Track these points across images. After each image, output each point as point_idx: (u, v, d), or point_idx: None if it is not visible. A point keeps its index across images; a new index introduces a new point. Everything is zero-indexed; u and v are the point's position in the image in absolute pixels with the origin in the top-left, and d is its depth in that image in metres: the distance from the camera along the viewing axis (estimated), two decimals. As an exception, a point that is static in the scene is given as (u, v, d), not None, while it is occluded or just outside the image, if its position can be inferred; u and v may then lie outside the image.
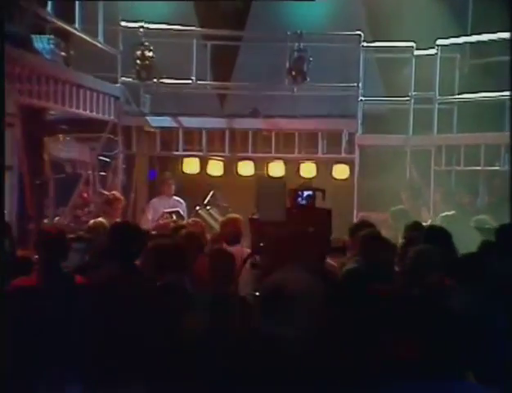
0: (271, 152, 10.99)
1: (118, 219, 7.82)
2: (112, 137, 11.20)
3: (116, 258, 4.30)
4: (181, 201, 10.19)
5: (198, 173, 11.72)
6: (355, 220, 10.37)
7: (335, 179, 11.16)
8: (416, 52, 10.54)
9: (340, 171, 11.25)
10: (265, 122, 11.14)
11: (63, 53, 8.45)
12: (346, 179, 11.22)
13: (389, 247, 5.07)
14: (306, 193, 6.29)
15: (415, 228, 6.35)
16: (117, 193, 9.20)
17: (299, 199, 6.28)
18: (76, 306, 3.93)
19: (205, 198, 10.24)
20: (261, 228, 5.57)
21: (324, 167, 11.45)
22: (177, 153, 11.22)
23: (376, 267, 4.74)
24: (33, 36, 7.51)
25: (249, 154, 11.07)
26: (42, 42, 7.54)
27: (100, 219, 7.68)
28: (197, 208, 9.90)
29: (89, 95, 9.49)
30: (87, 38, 9.40)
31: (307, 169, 11.06)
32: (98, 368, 3.82)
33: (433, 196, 10.36)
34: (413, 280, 4.21)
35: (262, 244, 5.41)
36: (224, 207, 10.44)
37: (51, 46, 7.90)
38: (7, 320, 3.59)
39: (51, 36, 8.06)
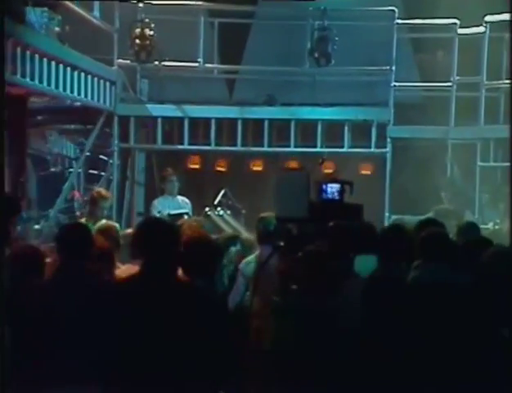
0: (289, 146, 10.49)
1: (103, 221, 7.39)
2: (106, 129, 10.69)
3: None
4: (187, 201, 9.97)
5: (204, 170, 11.52)
6: (386, 224, 10.06)
7: (361, 175, 10.77)
8: (460, 31, 10.27)
9: (366, 167, 10.88)
10: (282, 111, 10.91)
11: (57, 29, 8.01)
12: (371, 175, 10.78)
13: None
14: (332, 186, 6.14)
15: (470, 230, 6.20)
16: (103, 190, 8.96)
17: (325, 193, 6.14)
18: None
19: (215, 198, 10.05)
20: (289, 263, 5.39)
21: (349, 162, 11.07)
22: (181, 147, 11.00)
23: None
24: (27, 7, 7.05)
25: (265, 148, 10.57)
26: (35, 15, 7.15)
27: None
28: (206, 209, 9.51)
29: (84, 78, 9.13)
30: (82, 13, 8.93)
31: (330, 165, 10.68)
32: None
33: (478, 196, 9.98)
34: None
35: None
36: (237, 209, 10.01)
37: (45, 19, 7.46)
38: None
39: (46, 8, 7.59)
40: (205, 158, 12.57)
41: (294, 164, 10.68)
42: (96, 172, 12.20)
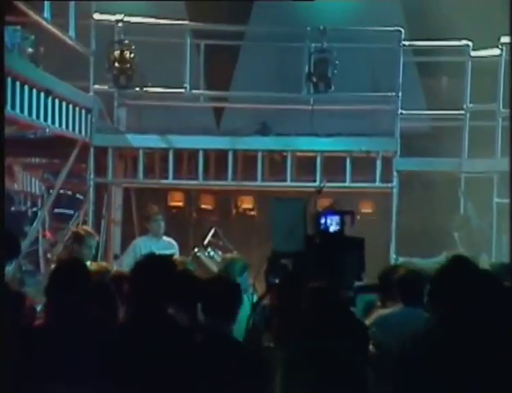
0: (285, 180, 10.30)
1: (89, 262, 7.37)
2: (79, 163, 10.66)
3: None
4: (174, 242, 9.95)
5: (187, 208, 11.27)
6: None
7: (362, 213, 10.68)
8: (473, 53, 10.42)
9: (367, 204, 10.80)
10: (278, 141, 10.82)
11: (30, 49, 7.82)
12: (371, 214, 10.74)
13: None
14: (332, 217, 6.13)
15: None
16: (89, 228, 9.00)
17: (324, 225, 6.13)
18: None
19: (204, 238, 10.08)
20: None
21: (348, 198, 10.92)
22: (165, 181, 10.86)
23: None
24: (-1, 26, 6.87)
25: (258, 183, 10.38)
26: (8, 34, 7.00)
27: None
28: (195, 250, 9.40)
29: (58, 105, 8.97)
30: (56, 32, 8.76)
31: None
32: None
33: (496, 236, 9.95)
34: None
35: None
36: (228, 250, 9.94)
37: (18, 39, 7.33)
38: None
39: (18, 27, 7.43)
40: (188, 194, 12.41)
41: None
42: (65, 211, 11.95)
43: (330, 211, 6.13)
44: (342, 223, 6.04)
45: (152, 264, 4.36)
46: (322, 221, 6.03)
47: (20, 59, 7.74)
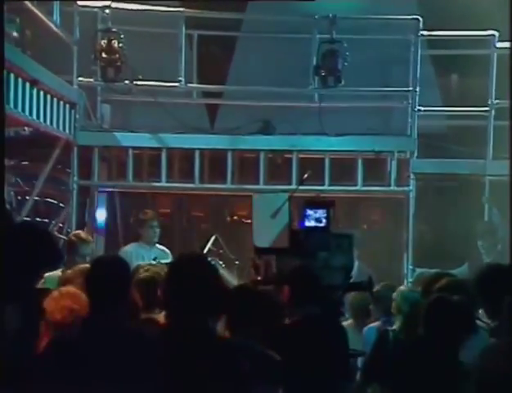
0: (290, 184, 9.87)
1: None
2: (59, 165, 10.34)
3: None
4: (167, 251, 9.66)
5: (177, 214, 11.55)
6: (409, 278, 9.87)
7: (372, 220, 10.47)
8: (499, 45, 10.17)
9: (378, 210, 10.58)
10: (282, 140, 10.44)
11: (15, 34, 7.30)
12: (381, 221, 10.46)
13: None
14: (317, 210, 6.06)
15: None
16: (82, 233, 8.51)
17: (308, 219, 6.04)
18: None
19: (204, 246, 9.70)
20: None
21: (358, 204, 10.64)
22: (158, 185, 10.41)
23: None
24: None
25: (261, 186, 10.00)
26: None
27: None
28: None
29: (43, 97, 8.53)
30: (41, 16, 8.28)
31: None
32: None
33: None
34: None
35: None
36: (230, 259, 9.70)
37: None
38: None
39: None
40: (178, 200, 12.02)
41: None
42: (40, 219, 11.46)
43: (315, 204, 6.06)
44: (328, 217, 5.95)
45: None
46: (307, 215, 5.93)
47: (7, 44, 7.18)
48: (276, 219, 6.06)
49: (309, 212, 5.88)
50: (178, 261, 4.23)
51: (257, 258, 6.11)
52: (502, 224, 10.10)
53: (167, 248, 9.78)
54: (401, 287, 6.74)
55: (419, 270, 9.75)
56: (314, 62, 10.17)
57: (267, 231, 6.00)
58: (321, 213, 5.90)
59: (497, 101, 10.23)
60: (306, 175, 8.72)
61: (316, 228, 5.93)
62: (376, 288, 6.76)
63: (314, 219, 5.90)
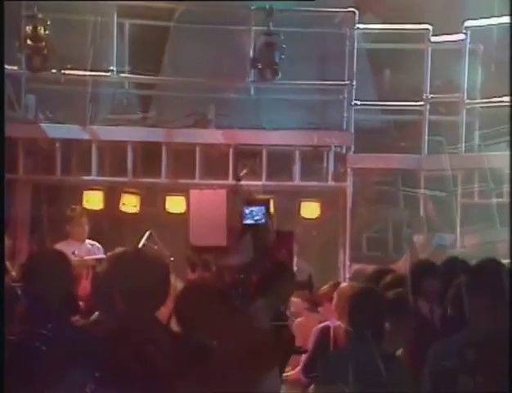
0: (227, 179, 9.84)
1: None
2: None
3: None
4: (99, 245, 9.71)
5: (106, 208, 10.88)
6: (346, 274, 9.91)
7: (304, 218, 10.51)
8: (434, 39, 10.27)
9: (309, 207, 10.58)
10: (217, 135, 10.37)
11: None
12: (316, 219, 10.61)
13: None
14: (255, 209, 6.39)
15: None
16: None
17: (247, 216, 6.33)
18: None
19: (138, 242, 9.40)
20: None
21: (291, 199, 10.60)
22: (87, 178, 10.34)
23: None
24: None
25: (196, 181, 9.95)
26: None
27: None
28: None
29: None
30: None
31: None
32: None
33: (467, 240, 9.86)
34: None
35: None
36: (164, 255, 9.49)
37: None
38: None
39: None
40: (108, 194, 11.83)
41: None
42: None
43: (253, 202, 6.35)
44: (267, 215, 6.19)
45: None
46: (246, 213, 6.10)
47: None
48: (213, 216, 5.99)
49: (247, 210, 5.98)
50: (120, 256, 4.10)
51: (194, 256, 6.11)
52: (437, 219, 10.34)
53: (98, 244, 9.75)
54: (343, 284, 6.81)
55: (355, 266, 9.73)
56: (251, 55, 10.19)
57: (204, 228, 5.94)
58: (258, 211, 6.00)
59: (432, 95, 10.36)
60: (243, 172, 8.75)
61: (254, 225, 6.00)
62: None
63: (252, 216, 6.01)
